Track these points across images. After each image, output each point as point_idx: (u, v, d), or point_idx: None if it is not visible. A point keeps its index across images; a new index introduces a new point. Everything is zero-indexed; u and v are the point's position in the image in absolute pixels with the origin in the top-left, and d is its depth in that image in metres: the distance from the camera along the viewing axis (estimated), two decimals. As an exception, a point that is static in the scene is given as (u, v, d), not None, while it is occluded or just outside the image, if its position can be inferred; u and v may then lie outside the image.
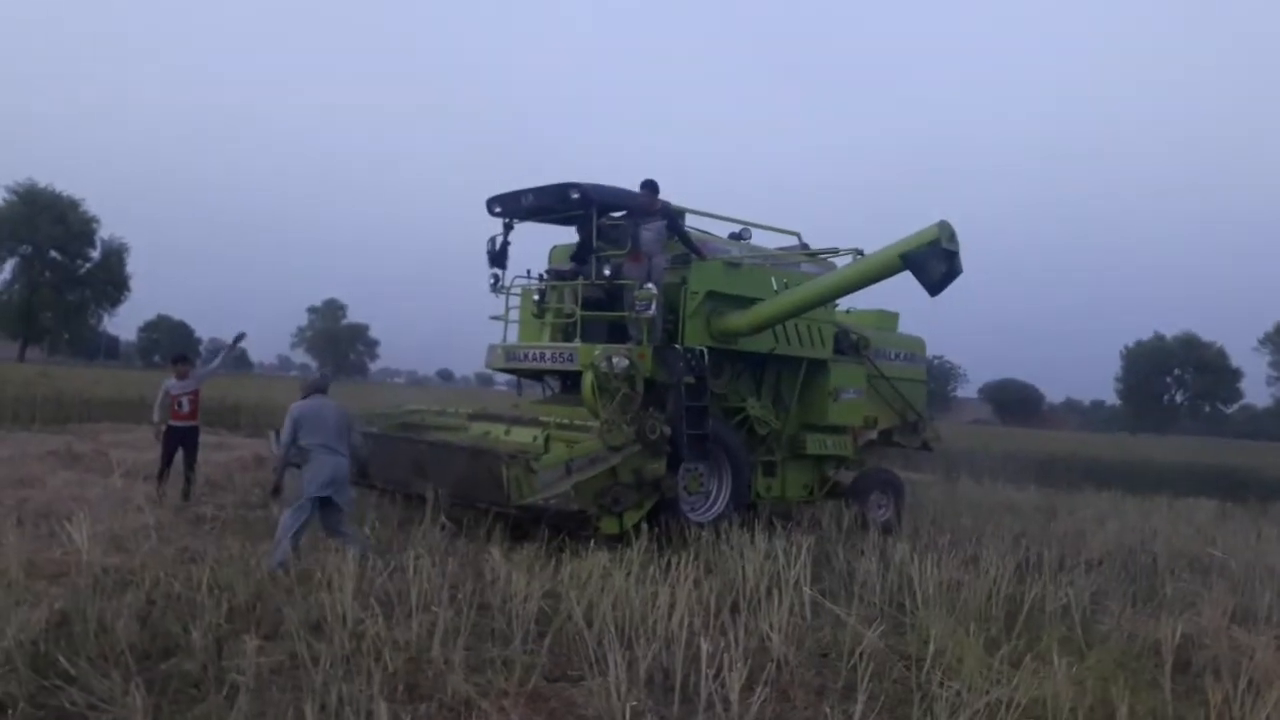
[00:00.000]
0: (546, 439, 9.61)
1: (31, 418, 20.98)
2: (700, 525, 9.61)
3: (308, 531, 7.91)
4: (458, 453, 9.41)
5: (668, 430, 9.44)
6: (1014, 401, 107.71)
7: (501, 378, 12.01)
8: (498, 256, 11.35)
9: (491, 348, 11.61)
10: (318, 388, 8.57)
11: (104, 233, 73.95)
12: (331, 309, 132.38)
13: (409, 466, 9.66)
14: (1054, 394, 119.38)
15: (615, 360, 9.38)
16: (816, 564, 8.17)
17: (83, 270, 73.31)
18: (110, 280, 74.65)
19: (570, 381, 11.31)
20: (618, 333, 10.50)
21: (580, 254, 11.01)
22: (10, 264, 70.61)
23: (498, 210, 11.30)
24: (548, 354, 10.73)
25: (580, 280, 10.72)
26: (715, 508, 10.51)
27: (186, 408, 11.08)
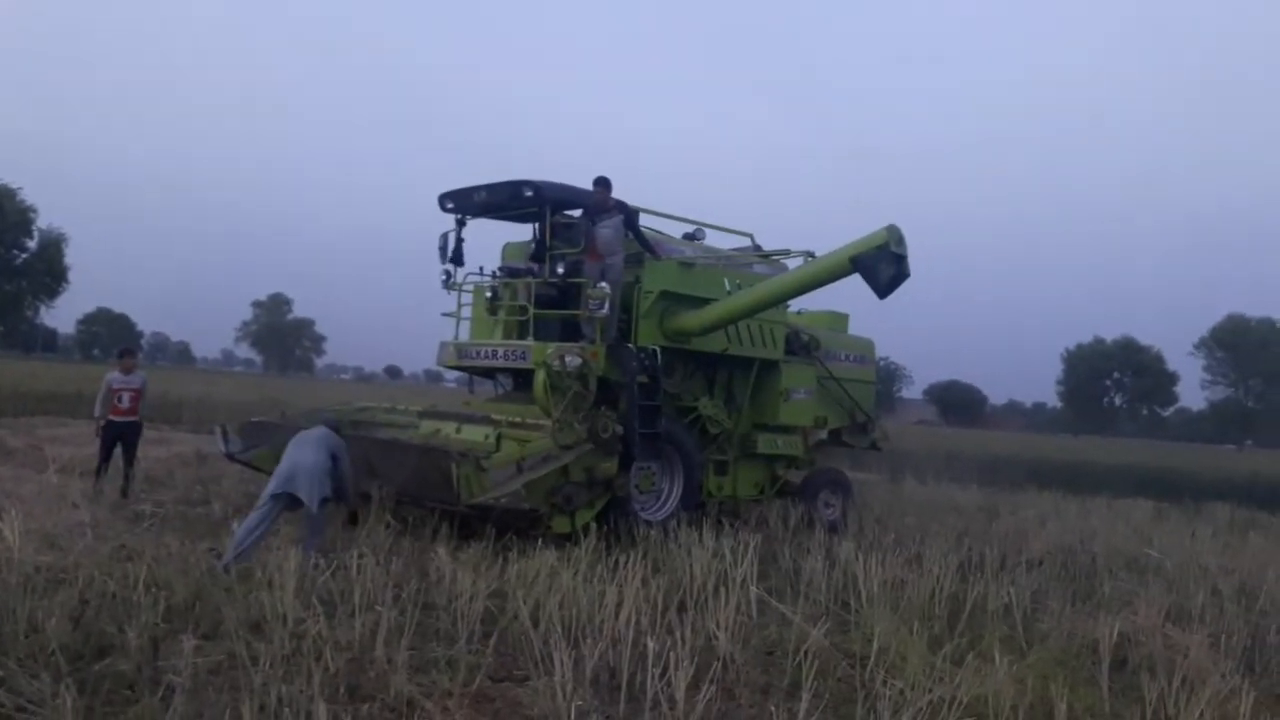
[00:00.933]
0: (498, 437, 9.54)
1: (-37, 411, 20.41)
2: (651, 524, 9.62)
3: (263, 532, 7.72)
4: (408, 451, 9.31)
5: (620, 429, 9.41)
6: (958, 403, 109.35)
7: (451, 375, 11.93)
8: (452, 253, 11.24)
9: (443, 345, 11.51)
10: (327, 422, 8.68)
11: (42, 222, 72.18)
12: (277, 303, 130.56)
13: (358, 465, 9.49)
14: (997, 396, 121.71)
15: (568, 359, 9.34)
16: (763, 563, 8.22)
17: (19, 261, 71.43)
18: (48, 271, 72.79)
19: (522, 380, 11.24)
20: (571, 331, 10.45)
21: (537, 252, 10.94)
22: (-58, 254, 68.66)
23: (450, 206, 11.18)
24: (500, 351, 10.65)
25: (533, 278, 10.66)
26: (667, 506, 10.53)
27: (127, 403, 10.87)
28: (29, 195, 70.85)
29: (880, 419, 14.43)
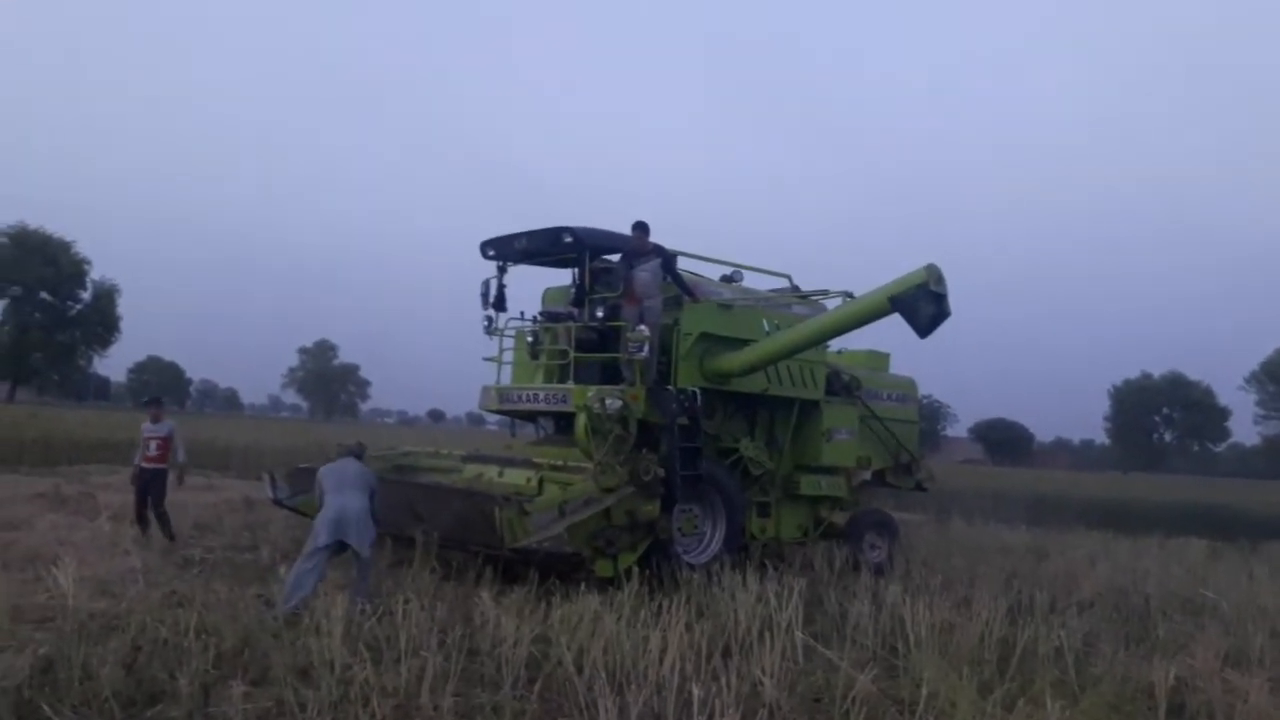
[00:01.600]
0: (540, 481, 9.61)
1: (20, 459, 20.88)
2: (694, 567, 9.57)
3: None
4: (451, 495, 9.40)
5: (661, 471, 9.41)
6: (1004, 441, 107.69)
7: (493, 418, 12.07)
8: (494, 299, 11.42)
9: (485, 389, 11.61)
10: (351, 452, 8.64)
11: (95, 274, 73.99)
12: (322, 349, 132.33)
13: (403, 509, 9.59)
14: (1044, 433, 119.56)
15: (608, 401, 9.40)
16: (808, 607, 8.13)
17: (73, 312, 73.15)
18: (101, 321, 74.43)
19: (564, 423, 11.29)
20: (611, 374, 10.49)
21: (577, 297, 11.09)
22: (1, 305, 70.51)
23: (491, 254, 11.40)
24: (541, 395, 10.74)
25: (573, 322, 10.78)
26: (710, 549, 10.48)
27: (155, 450, 11.10)
28: (82, 248, 72.76)
29: (925, 458, 14.30)
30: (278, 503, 11.10)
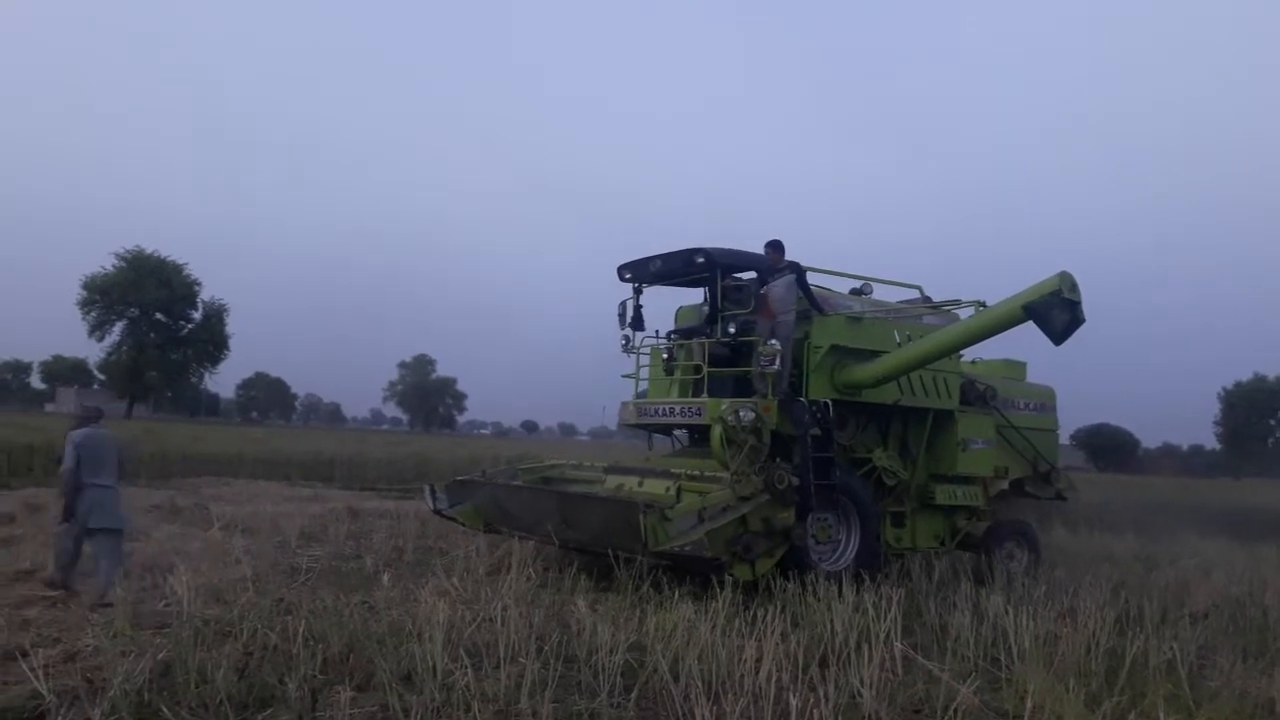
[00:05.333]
0: (678, 490, 9.87)
1: (137, 473, 21.83)
2: (831, 575, 9.64)
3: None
4: (598, 503, 9.86)
5: (795, 480, 9.57)
6: (1108, 447, 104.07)
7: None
8: (631, 319, 11.80)
9: (624, 404, 12.09)
10: (93, 417, 9.24)
11: (205, 294, 77.02)
12: (421, 363, 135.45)
13: (553, 516, 10.08)
14: (1150, 439, 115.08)
15: (742, 413, 9.66)
16: (907, 617, 8.01)
17: (185, 331, 76.23)
18: (211, 340, 77.41)
19: (698, 435, 11.66)
20: (743, 387, 10.75)
21: (710, 314, 11.40)
22: (119, 326, 73.88)
23: (628, 276, 11.84)
24: (677, 409, 11.12)
25: (706, 338, 11.11)
26: (845, 557, 10.59)
27: None
28: (194, 270, 75.85)
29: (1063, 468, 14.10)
30: (438, 513, 11.73)
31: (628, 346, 11.89)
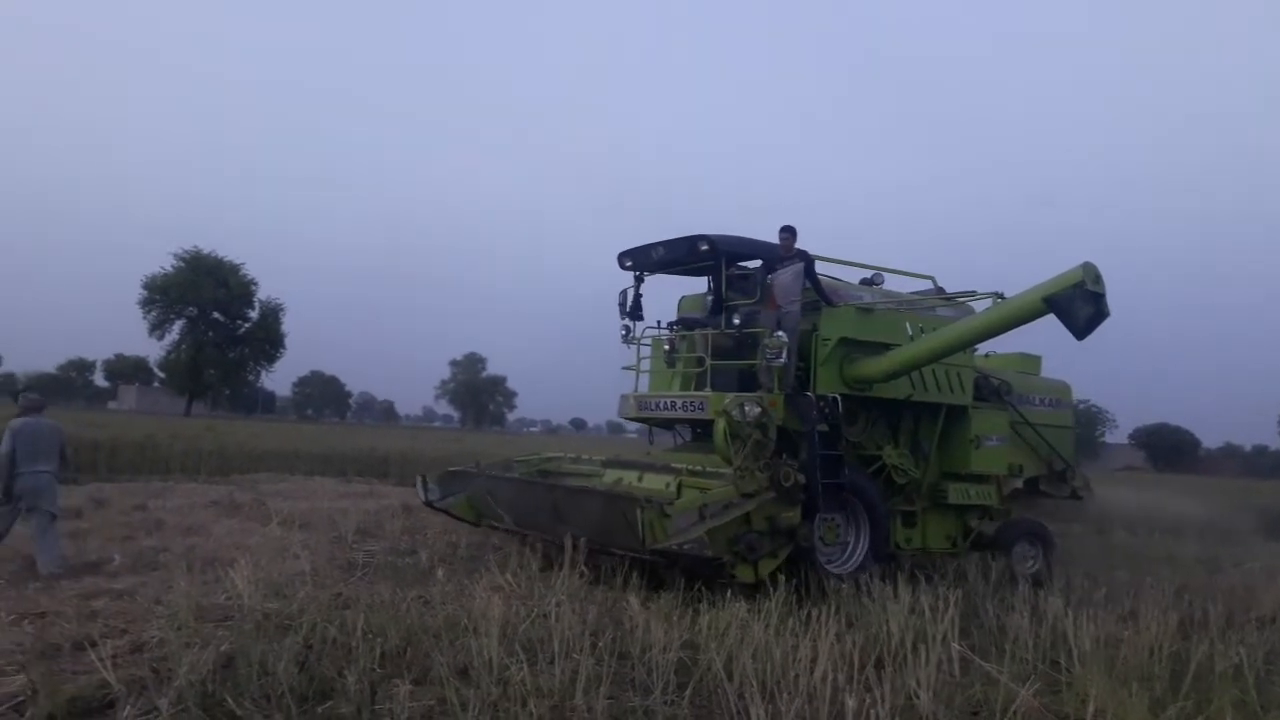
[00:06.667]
0: (679, 485, 9.58)
1: (198, 469, 22.32)
2: (838, 577, 9.43)
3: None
4: (594, 498, 9.52)
5: (802, 478, 9.28)
6: (1167, 447, 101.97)
7: (633, 426, 12.22)
8: (631, 309, 11.53)
9: (623, 398, 11.74)
10: (34, 407, 10.21)
11: (262, 294, 78.37)
12: (472, 362, 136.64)
13: (547, 511, 9.83)
14: (1211, 439, 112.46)
15: (747, 407, 9.33)
16: (964, 618, 7.89)
17: (242, 330, 77.65)
18: (267, 338, 78.78)
19: (701, 430, 11.34)
20: (748, 381, 10.46)
21: (714, 305, 11.10)
22: (178, 325, 75.46)
23: (628, 264, 11.55)
24: (679, 403, 10.78)
25: (710, 329, 10.78)
26: (854, 559, 10.28)
27: None
28: (250, 269, 77.21)
29: (1080, 466, 13.70)
30: (429, 504, 11.45)
31: (628, 337, 11.60)
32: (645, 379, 11.84)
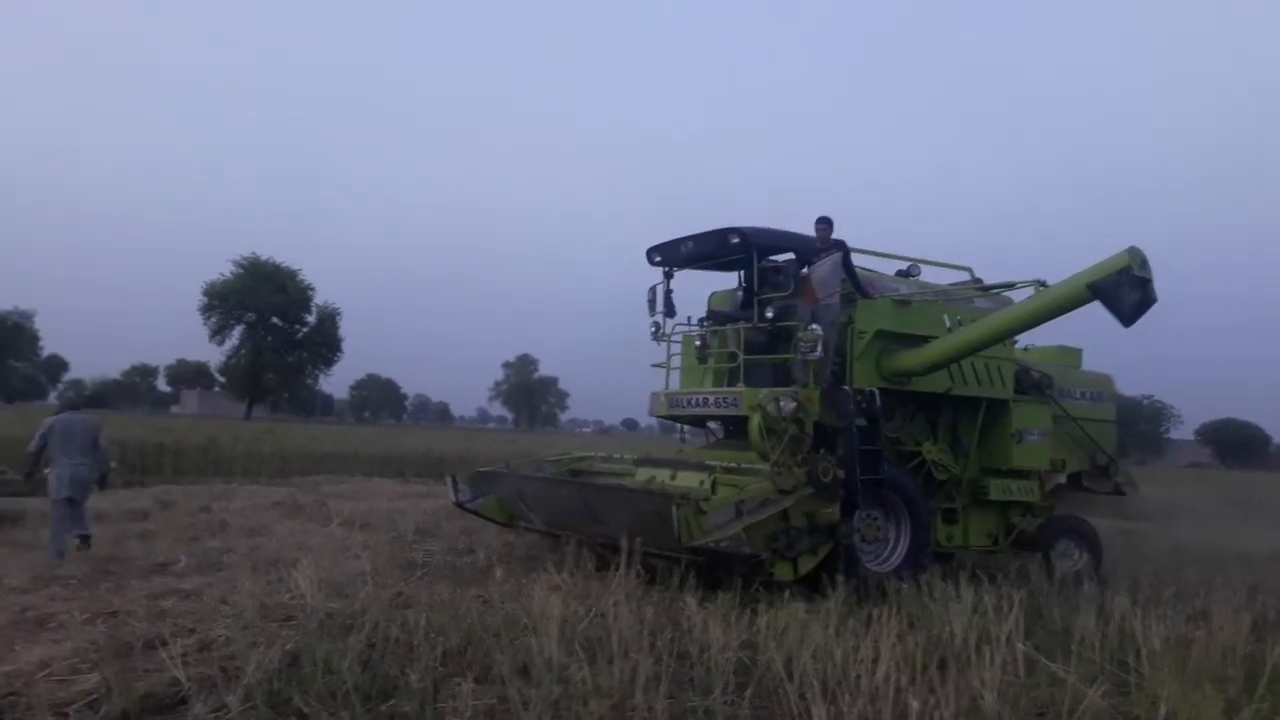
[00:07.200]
0: (713, 483, 9.40)
1: (259, 471, 22.76)
2: (881, 576, 9.27)
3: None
4: (628, 495, 9.41)
5: (840, 473, 9.08)
6: (1235, 443, 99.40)
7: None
8: (661, 305, 11.40)
9: (654, 395, 11.58)
10: (70, 405, 11.27)
11: (319, 299, 79.64)
12: (524, 364, 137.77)
13: (579, 510, 9.72)
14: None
15: (782, 402, 9.14)
16: (1028, 618, 7.75)
17: (300, 334, 79.02)
18: (325, 342, 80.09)
19: (733, 427, 11.19)
20: (782, 376, 10.28)
21: (746, 299, 10.93)
22: (237, 330, 77.01)
23: (657, 259, 11.36)
24: (711, 399, 10.60)
25: (742, 324, 10.61)
26: (894, 557, 10.12)
27: None
28: (307, 275, 78.54)
29: (1146, 463, 13.43)
30: (460, 505, 11.34)
31: (657, 334, 11.45)
32: (676, 376, 11.71)
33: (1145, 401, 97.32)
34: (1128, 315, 8.92)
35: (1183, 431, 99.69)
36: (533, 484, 10.84)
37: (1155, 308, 9.01)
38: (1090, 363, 13.45)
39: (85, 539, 10.71)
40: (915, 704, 5.00)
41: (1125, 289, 8.87)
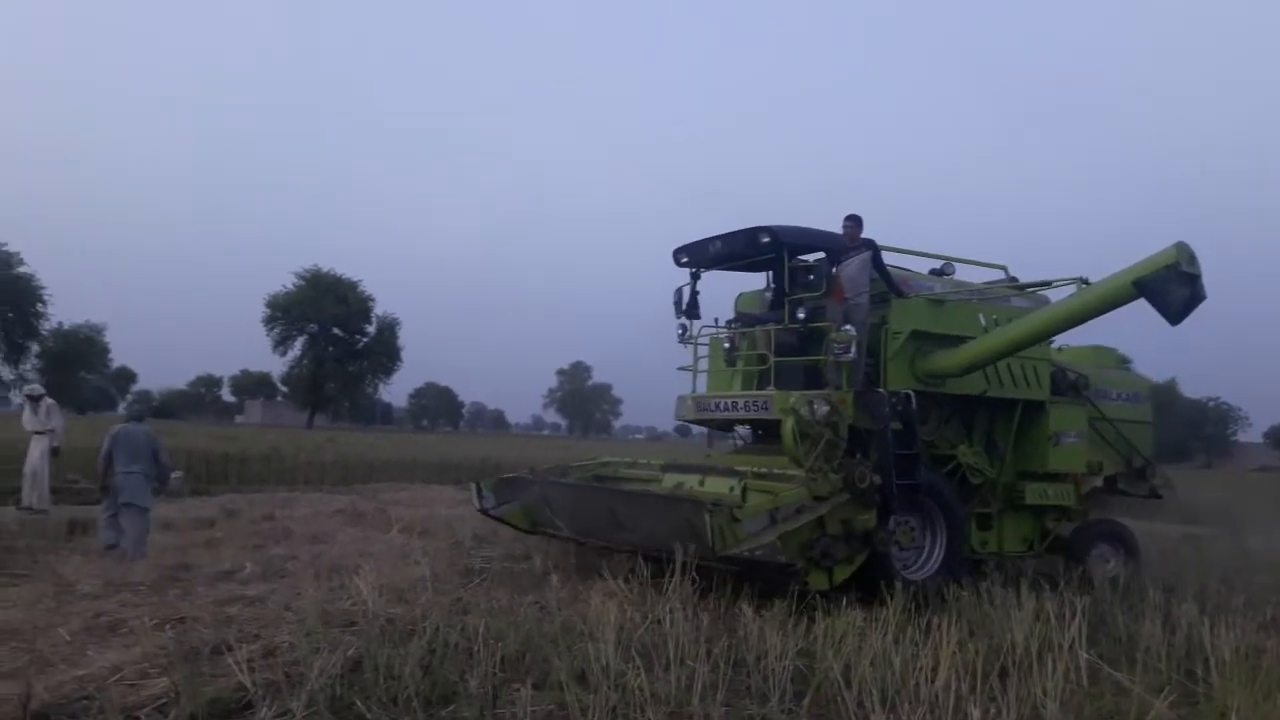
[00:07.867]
0: (744, 489, 9.20)
1: (321, 479, 23.15)
2: (915, 583, 9.07)
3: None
4: (657, 502, 9.27)
5: (877, 479, 8.84)
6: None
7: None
8: (687, 307, 11.20)
9: (681, 399, 11.37)
10: (134, 416, 11.94)
11: (379, 309, 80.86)
12: (578, 371, 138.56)
13: (604, 517, 9.58)
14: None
15: (816, 405, 8.93)
16: (1091, 626, 7.61)
17: (361, 344, 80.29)
18: (385, 352, 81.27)
19: (763, 431, 10.98)
20: (813, 378, 10.04)
21: (775, 299, 10.74)
22: (300, 341, 78.49)
23: (684, 260, 11.14)
24: (740, 403, 10.35)
25: (773, 325, 10.40)
26: (930, 564, 9.93)
27: None
28: (367, 286, 79.80)
29: (1213, 466, 13.14)
30: (484, 512, 11.15)
31: (684, 336, 11.24)
32: (703, 380, 11.51)
33: (1211, 404, 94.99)
34: (1175, 313, 8.64)
35: (1251, 434, 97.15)
36: (558, 490, 10.66)
37: (1204, 305, 8.71)
38: (1145, 366, 13.24)
39: (111, 547, 11.10)
40: (976, 713, 4.96)
41: (1173, 286, 8.57)
